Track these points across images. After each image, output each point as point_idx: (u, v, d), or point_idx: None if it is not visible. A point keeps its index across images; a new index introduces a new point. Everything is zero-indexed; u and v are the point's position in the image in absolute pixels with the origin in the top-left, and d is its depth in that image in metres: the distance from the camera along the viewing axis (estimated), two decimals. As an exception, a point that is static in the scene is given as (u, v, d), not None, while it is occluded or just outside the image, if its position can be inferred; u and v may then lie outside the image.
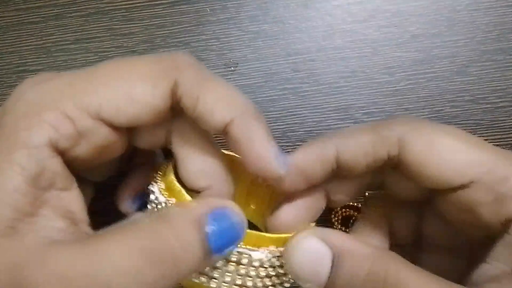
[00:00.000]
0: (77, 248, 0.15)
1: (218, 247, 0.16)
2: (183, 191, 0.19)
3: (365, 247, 0.17)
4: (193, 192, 0.20)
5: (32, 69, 0.30)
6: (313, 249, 0.17)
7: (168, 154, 0.23)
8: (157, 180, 0.20)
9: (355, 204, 0.28)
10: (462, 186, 0.18)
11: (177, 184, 0.19)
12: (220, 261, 0.18)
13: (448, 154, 0.18)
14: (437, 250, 0.22)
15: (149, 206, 0.20)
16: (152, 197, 0.20)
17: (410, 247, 0.23)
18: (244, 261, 0.18)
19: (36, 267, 0.15)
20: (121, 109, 0.18)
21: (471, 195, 0.18)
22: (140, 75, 0.18)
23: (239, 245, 0.18)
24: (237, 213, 0.17)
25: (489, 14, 0.29)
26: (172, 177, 0.20)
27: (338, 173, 0.20)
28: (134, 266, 0.15)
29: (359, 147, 0.19)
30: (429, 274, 0.16)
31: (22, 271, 0.14)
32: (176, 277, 0.15)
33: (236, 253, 0.18)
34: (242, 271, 0.18)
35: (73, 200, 0.18)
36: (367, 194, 0.24)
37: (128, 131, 0.20)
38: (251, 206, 0.25)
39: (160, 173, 0.21)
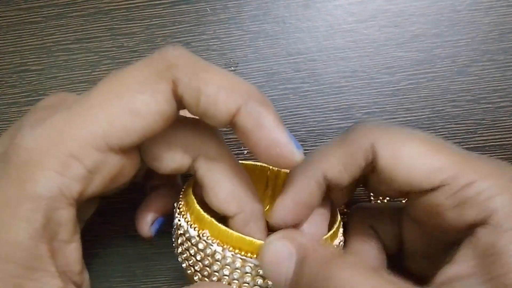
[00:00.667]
0: None
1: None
2: (214, 221, 0.19)
3: (323, 249, 0.18)
4: (223, 217, 0.20)
5: (33, 68, 0.30)
6: (279, 250, 0.18)
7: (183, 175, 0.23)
8: (182, 211, 0.20)
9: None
10: (430, 190, 0.18)
11: (206, 215, 0.19)
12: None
13: (415, 160, 0.18)
14: (418, 257, 0.22)
15: (179, 240, 0.20)
16: (180, 231, 0.20)
17: (396, 256, 0.23)
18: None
19: None
20: (128, 127, 0.17)
21: (437, 199, 0.18)
22: (136, 86, 0.17)
23: (236, 252, 0.18)
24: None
25: (490, 14, 0.29)
26: (197, 207, 0.19)
27: (327, 188, 0.20)
28: None
29: (339, 163, 0.19)
30: (381, 278, 0.16)
31: None
32: None
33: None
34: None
35: (73, 253, 0.18)
36: (345, 210, 0.26)
37: (144, 154, 0.19)
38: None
39: (181, 202, 0.21)
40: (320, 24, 0.30)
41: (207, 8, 0.30)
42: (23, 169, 0.16)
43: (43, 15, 0.30)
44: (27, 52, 0.30)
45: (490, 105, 0.29)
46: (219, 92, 0.17)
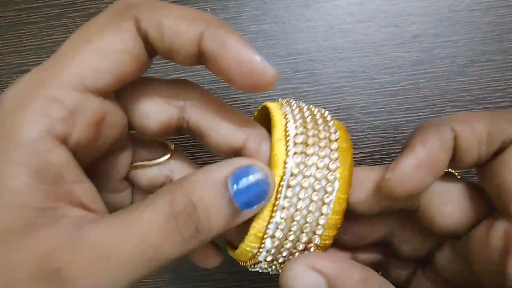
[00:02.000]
0: (105, 223, 0.16)
1: (245, 203, 0.17)
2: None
3: (355, 271, 0.17)
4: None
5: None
6: (307, 282, 0.17)
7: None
8: None
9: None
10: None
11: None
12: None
13: None
14: None
15: None
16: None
17: None
18: None
19: (69, 248, 0.15)
20: (100, 68, 0.17)
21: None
22: (101, 29, 0.17)
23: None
24: (261, 168, 0.17)
25: (489, 14, 0.29)
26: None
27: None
28: (163, 229, 0.15)
29: (475, 134, 0.18)
30: None
31: (52, 256, 0.14)
32: (207, 235, 0.16)
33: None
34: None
35: (87, 193, 0.17)
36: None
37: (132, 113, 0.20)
38: None
39: None
40: (319, 25, 0.30)
41: (207, 9, 0.30)
42: (7, 117, 0.16)
43: (43, 15, 0.30)
44: (26, 52, 0.30)
45: (489, 105, 0.29)
46: (180, 22, 0.17)
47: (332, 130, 0.18)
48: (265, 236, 0.17)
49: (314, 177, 0.17)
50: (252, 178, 0.17)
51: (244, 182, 0.16)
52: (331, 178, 0.18)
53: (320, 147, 0.18)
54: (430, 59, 0.29)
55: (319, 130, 0.18)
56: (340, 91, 0.29)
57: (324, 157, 0.18)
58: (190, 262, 0.29)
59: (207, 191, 0.16)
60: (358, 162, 0.29)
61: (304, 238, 0.18)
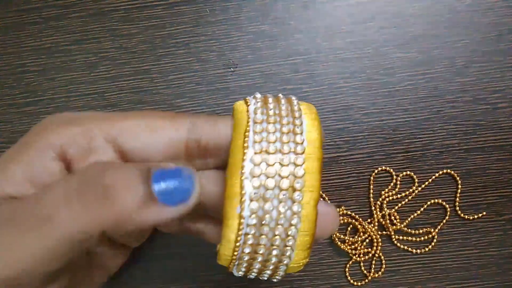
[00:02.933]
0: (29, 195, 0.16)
1: (164, 193, 0.16)
2: None
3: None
4: None
5: (32, 70, 0.30)
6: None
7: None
8: None
9: (352, 213, 0.29)
10: None
11: None
12: None
13: None
14: None
15: None
16: None
17: None
18: None
19: None
20: (139, 136, 0.17)
21: None
22: (160, 113, 0.18)
23: None
24: (186, 168, 0.17)
25: (488, 15, 0.29)
26: None
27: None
28: (69, 190, 0.15)
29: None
30: None
31: None
32: (116, 209, 0.15)
33: None
34: None
35: None
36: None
37: None
38: None
39: None
40: (319, 25, 0.30)
41: (206, 9, 0.30)
42: (48, 127, 0.18)
43: (42, 16, 0.30)
44: (26, 53, 0.30)
45: (489, 106, 0.29)
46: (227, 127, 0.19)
47: (298, 130, 0.17)
48: (237, 243, 0.17)
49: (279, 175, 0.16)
50: (176, 175, 0.16)
51: (167, 175, 0.16)
52: (298, 174, 0.17)
53: (283, 153, 0.17)
54: (429, 60, 0.29)
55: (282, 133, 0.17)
56: (339, 92, 0.29)
57: (288, 164, 0.17)
58: (191, 263, 0.29)
59: (124, 167, 0.16)
60: (357, 162, 0.29)
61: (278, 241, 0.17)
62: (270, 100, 0.18)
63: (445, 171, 0.29)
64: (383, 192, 0.29)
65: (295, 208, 0.16)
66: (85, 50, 0.30)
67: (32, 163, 0.17)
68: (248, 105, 0.18)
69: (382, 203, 0.29)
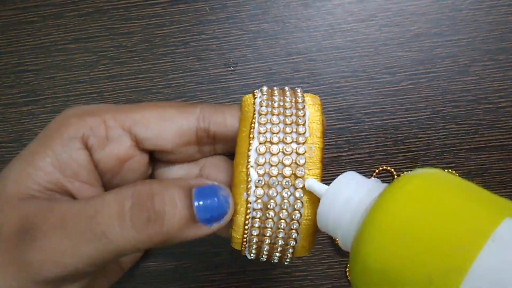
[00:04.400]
0: (76, 201, 0.18)
1: (204, 214, 0.17)
2: None
3: None
4: None
5: (31, 69, 0.30)
6: None
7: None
8: None
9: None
10: None
11: None
12: None
13: None
14: None
15: None
16: None
17: None
18: None
19: (43, 213, 0.17)
20: (151, 125, 0.19)
21: None
22: (171, 104, 0.20)
23: None
24: (225, 189, 0.18)
25: (491, 13, 0.29)
26: None
27: None
28: (115, 209, 0.17)
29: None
30: None
31: (31, 217, 0.17)
32: (160, 231, 0.17)
33: None
34: None
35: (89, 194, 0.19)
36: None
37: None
38: None
39: None
40: (319, 24, 0.29)
41: (206, 8, 0.30)
42: (65, 120, 0.19)
43: (41, 15, 0.30)
44: (24, 52, 0.30)
45: (491, 105, 0.29)
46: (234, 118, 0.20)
47: (300, 121, 0.18)
48: (246, 223, 0.18)
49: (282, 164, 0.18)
50: (214, 195, 0.18)
51: (207, 195, 0.17)
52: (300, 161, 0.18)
53: (286, 143, 0.18)
54: (431, 58, 0.29)
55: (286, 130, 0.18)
56: (340, 91, 0.29)
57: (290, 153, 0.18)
58: (191, 263, 0.29)
59: (170, 189, 0.17)
60: (358, 162, 0.29)
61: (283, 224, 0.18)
62: (276, 92, 0.20)
63: (446, 170, 0.28)
64: (384, 192, 0.29)
65: (297, 194, 0.18)
66: (84, 49, 0.30)
67: (60, 155, 0.18)
68: (255, 98, 0.19)
69: (383, 203, 0.29)
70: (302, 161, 0.18)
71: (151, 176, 0.21)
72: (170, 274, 0.29)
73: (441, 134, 0.29)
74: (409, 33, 0.29)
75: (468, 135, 0.29)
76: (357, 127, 0.29)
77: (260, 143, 0.18)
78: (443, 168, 0.28)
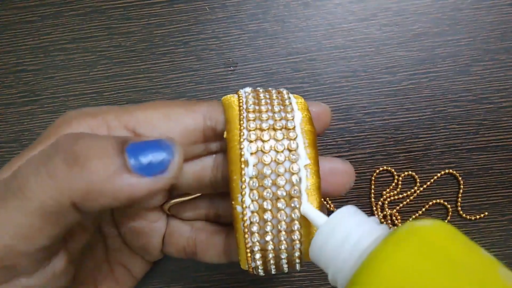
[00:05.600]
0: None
1: (138, 158, 0.15)
2: None
3: None
4: None
5: (30, 68, 0.30)
6: None
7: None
8: None
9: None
10: None
11: None
12: None
13: None
14: None
15: None
16: None
17: None
18: None
19: None
20: (156, 125, 0.17)
21: None
22: (176, 102, 0.19)
23: None
24: (166, 139, 0.16)
25: (492, 13, 0.29)
26: None
27: None
28: (40, 160, 0.15)
29: None
30: None
31: None
32: (84, 176, 0.14)
33: None
34: None
35: None
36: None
37: None
38: None
39: None
40: (320, 23, 0.29)
41: (206, 7, 0.30)
42: (65, 121, 0.17)
43: (39, 14, 0.30)
44: (23, 52, 0.30)
45: (492, 105, 0.28)
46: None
47: (289, 116, 0.18)
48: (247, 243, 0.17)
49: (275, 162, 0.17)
50: (155, 145, 0.15)
51: (145, 145, 0.15)
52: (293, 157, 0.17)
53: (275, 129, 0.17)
54: (432, 58, 0.29)
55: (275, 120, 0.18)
56: (340, 91, 0.29)
57: (282, 139, 0.17)
58: (191, 263, 0.29)
59: (98, 137, 0.15)
60: (359, 162, 0.29)
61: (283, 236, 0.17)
62: (261, 90, 0.19)
63: (447, 171, 0.28)
64: (384, 192, 0.28)
65: (294, 214, 0.17)
66: (83, 49, 0.30)
67: None
68: (239, 95, 0.18)
69: (383, 204, 0.28)
70: (294, 146, 0.17)
71: None
72: (170, 275, 0.29)
73: (442, 134, 0.28)
74: (409, 33, 0.29)
75: (469, 135, 0.28)
76: (357, 127, 0.29)
77: (250, 141, 0.17)
78: (444, 168, 0.28)
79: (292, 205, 0.17)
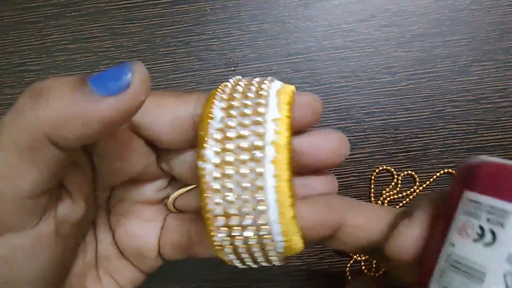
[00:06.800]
0: None
1: (99, 81, 0.15)
2: None
3: None
4: None
5: (32, 69, 0.30)
6: None
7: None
8: None
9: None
10: None
11: None
12: None
13: None
14: None
15: None
16: None
17: None
18: None
19: None
20: (148, 112, 0.17)
21: None
22: (168, 92, 0.18)
23: None
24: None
25: (491, 13, 0.29)
26: None
27: None
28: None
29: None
30: None
31: None
32: (48, 104, 0.14)
33: None
34: None
35: None
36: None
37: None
38: None
39: None
40: (319, 24, 0.29)
41: (207, 8, 0.30)
42: None
43: (42, 15, 0.30)
44: (26, 52, 0.30)
45: (491, 105, 0.29)
46: None
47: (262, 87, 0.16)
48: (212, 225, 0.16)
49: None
50: (114, 69, 0.15)
51: (107, 73, 0.15)
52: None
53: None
54: (431, 58, 0.29)
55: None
56: (340, 91, 0.29)
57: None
58: (191, 263, 0.29)
59: (62, 77, 0.15)
60: (358, 162, 0.29)
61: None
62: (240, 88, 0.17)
63: (446, 170, 0.28)
64: (384, 192, 0.29)
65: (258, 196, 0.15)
66: (85, 49, 0.30)
67: None
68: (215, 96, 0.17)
69: (383, 203, 0.29)
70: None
71: (163, 168, 0.20)
72: (170, 274, 0.29)
73: (441, 134, 0.29)
74: (409, 33, 0.29)
75: (468, 135, 0.29)
76: (357, 127, 0.29)
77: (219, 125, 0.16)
78: (443, 168, 0.29)
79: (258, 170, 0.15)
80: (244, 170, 0.15)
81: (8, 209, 0.15)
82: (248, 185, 0.15)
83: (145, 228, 0.21)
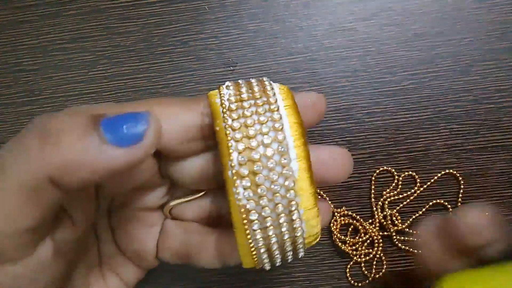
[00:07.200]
0: None
1: (112, 130, 0.14)
2: None
3: None
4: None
5: (29, 68, 0.30)
6: None
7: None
8: None
9: (353, 214, 0.29)
10: None
11: None
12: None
13: None
14: None
15: None
16: None
17: None
18: None
19: None
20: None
21: None
22: (173, 100, 0.18)
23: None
24: (141, 111, 0.15)
25: (493, 12, 0.29)
26: None
27: None
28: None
29: None
30: None
31: None
32: (58, 150, 0.14)
33: None
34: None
35: None
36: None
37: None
38: None
39: None
40: (320, 23, 0.29)
41: (205, 7, 0.30)
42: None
43: (38, 14, 0.30)
44: (22, 52, 0.30)
45: (492, 105, 0.28)
46: None
47: (272, 100, 0.17)
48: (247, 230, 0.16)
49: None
50: (129, 117, 0.15)
51: (119, 118, 0.15)
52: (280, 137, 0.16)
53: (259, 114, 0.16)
54: (432, 58, 0.29)
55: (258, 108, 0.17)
56: (341, 91, 0.29)
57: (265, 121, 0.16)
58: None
59: (72, 114, 0.15)
60: (359, 162, 0.29)
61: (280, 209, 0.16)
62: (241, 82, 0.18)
63: (447, 171, 0.28)
64: (384, 193, 0.28)
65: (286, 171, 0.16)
66: (82, 49, 0.30)
67: None
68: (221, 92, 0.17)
69: (383, 204, 0.28)
70: (281, 137, 0.16)
71: (163, 174, 0.20)
72: (170, 275, 0.29)
73: (442, 134, 0.28)
74: (410, 33, 0.29)
75: (469, 135, 0.28)
76: (357, 127, 0.29)
77: (236, 141, 0.16)
78: (444, 169, 0.28)
79: (286, 183, 0.16)
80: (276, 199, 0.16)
81: (5, 243, 0.15)
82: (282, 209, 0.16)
83: (144, 232, 0.21)
